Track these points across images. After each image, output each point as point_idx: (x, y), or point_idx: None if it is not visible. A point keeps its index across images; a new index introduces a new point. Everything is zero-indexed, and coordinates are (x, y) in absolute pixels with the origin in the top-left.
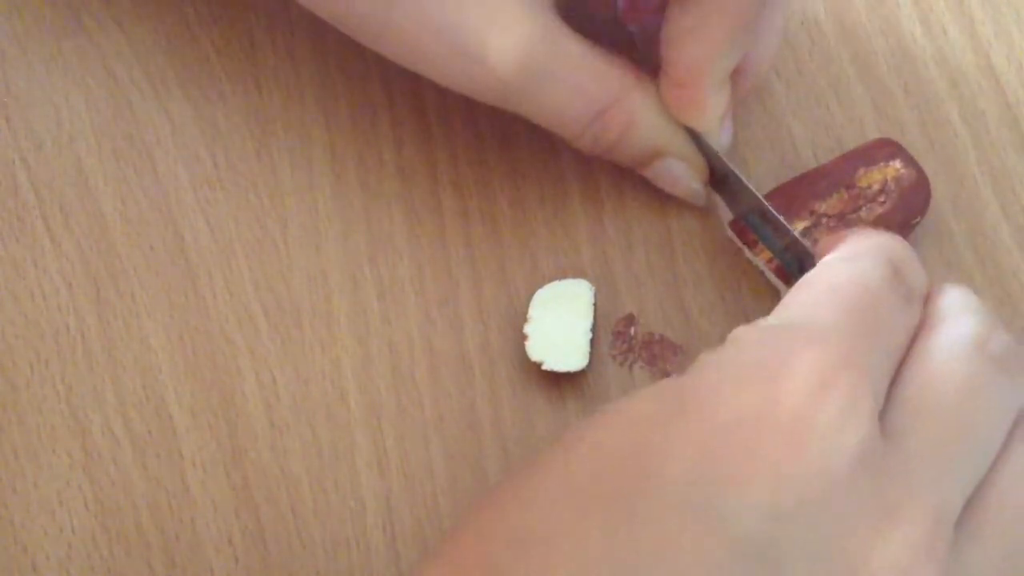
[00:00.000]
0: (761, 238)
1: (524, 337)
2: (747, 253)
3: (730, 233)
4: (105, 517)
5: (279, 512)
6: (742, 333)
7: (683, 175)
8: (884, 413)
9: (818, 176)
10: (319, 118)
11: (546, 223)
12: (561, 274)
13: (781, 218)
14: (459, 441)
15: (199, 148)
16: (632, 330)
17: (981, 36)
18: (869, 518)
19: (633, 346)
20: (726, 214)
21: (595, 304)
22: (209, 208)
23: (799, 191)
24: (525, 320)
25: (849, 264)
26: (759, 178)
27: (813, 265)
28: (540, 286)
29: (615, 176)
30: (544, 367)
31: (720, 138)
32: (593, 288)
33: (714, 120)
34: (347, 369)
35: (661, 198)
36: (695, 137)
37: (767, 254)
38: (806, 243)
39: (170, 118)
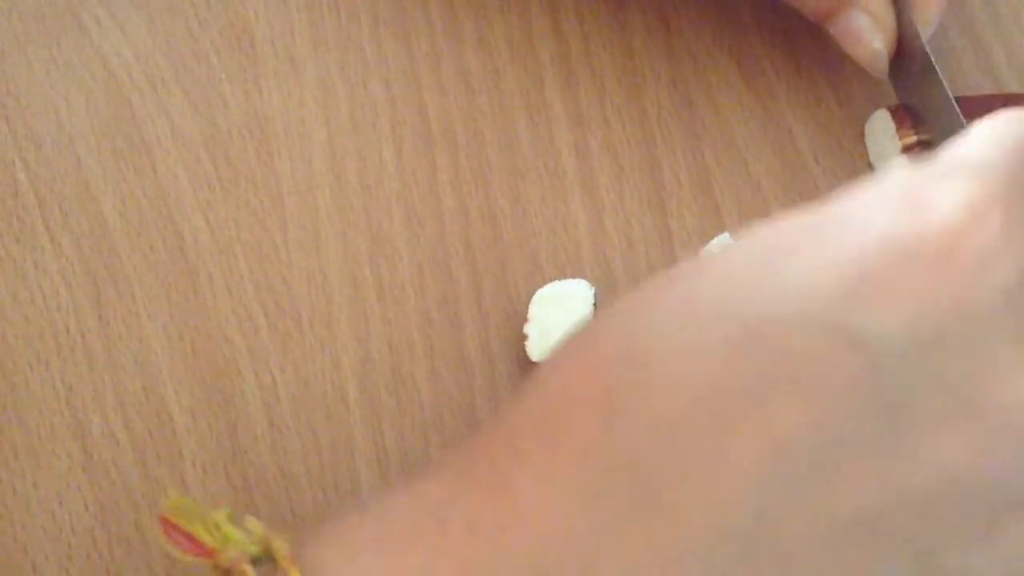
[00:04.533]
0: (917, 128)
1: (524, 337)
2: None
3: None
4: (105, 517)
5: (279, 512)
6: (896, 166)
7: (868, 32)
8: None
9: (960, 101)
10: (319, 118)
11: (546, 223)
12: (561, 274)
13: (957, 108)
14: (459, 441)
15: (199, 148)
16: None
17: (981, 36)
18: (1007, 357)
19: None
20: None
21: (595, 304)
22: (209, 208)
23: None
24: (525, 320)
25: (1011, 122)
26: (758, 178)
27: None
28: (540, 286)
29: (615, 176)
30: None
31: (933, 20)
32: (593, 288)
33: None
34: (347, 369)
35: (661, 197)
36: (899, 12)
37: (912, 139)
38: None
39: (170, 118)
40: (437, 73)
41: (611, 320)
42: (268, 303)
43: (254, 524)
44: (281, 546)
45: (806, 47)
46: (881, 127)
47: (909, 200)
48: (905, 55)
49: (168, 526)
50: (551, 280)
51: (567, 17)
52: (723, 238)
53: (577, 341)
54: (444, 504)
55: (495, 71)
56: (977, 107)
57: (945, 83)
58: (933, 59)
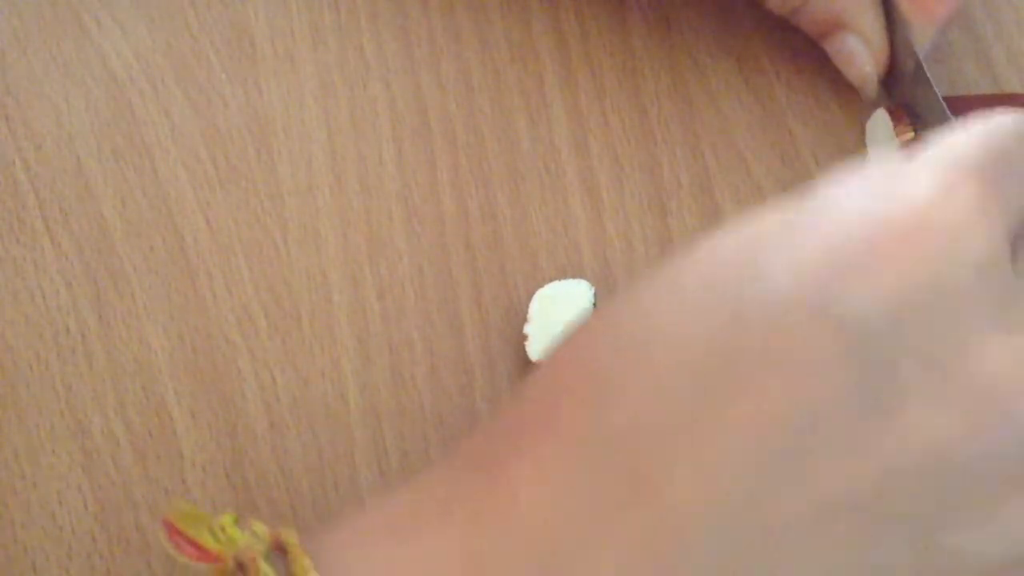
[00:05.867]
0: (915, 126)
1: (524, 337)
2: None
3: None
4: (105, 517)
5: (279, 512)
6: (876, 159)
7: (860, 56)
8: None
9: (958, 101)
10: (319, 118)
11: (546, 223)
12: (561, 274)
13: (948, 112)
14: (459, 441)
15: (199, 148)
16: None
17: (981, 36)
18: (986, 329)
19: None
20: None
21: (595, 304)
22: (209, 208)
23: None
24: (525, 320)
25: (991, 122)
26: (758, 178)
27: None
28: (540, 286)
29: (615, 176)
30: None
31: (928, 38)
32: (593, 288)
33: (943, 16)
34: (347, 369)
35: (661, 197)
36: (893, 26)
37: (910, 136)
38: None
39: (170, 118)
40: (437, 73)
41: (603, 311)
42: (268, 303)
43: (260, 527)
44: (292, 536)
45: (806, 47)
46: (881, 127)
47: (885, 186)
48: (899, 69)
49: (172, 531)
50: (551, 280)
51: (567, 17)
52: None
53: (572, 334)
54: (449, 496)
55: (495, 71)
56: (975, 107)
57: (940, 97)
58: (929, 75)
